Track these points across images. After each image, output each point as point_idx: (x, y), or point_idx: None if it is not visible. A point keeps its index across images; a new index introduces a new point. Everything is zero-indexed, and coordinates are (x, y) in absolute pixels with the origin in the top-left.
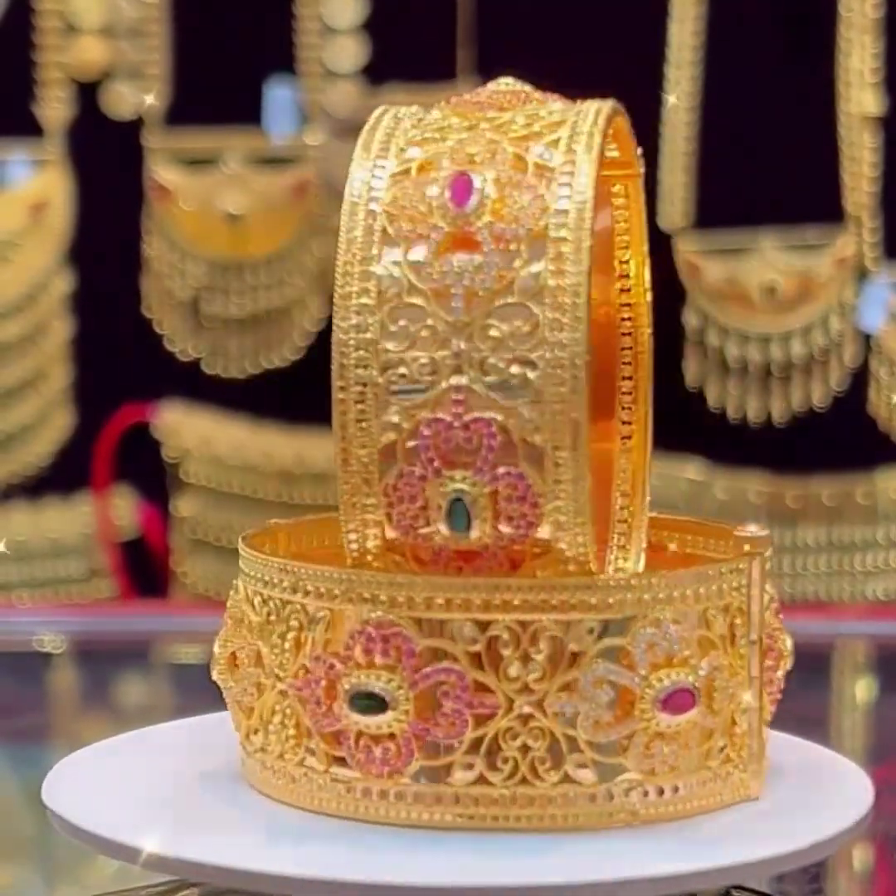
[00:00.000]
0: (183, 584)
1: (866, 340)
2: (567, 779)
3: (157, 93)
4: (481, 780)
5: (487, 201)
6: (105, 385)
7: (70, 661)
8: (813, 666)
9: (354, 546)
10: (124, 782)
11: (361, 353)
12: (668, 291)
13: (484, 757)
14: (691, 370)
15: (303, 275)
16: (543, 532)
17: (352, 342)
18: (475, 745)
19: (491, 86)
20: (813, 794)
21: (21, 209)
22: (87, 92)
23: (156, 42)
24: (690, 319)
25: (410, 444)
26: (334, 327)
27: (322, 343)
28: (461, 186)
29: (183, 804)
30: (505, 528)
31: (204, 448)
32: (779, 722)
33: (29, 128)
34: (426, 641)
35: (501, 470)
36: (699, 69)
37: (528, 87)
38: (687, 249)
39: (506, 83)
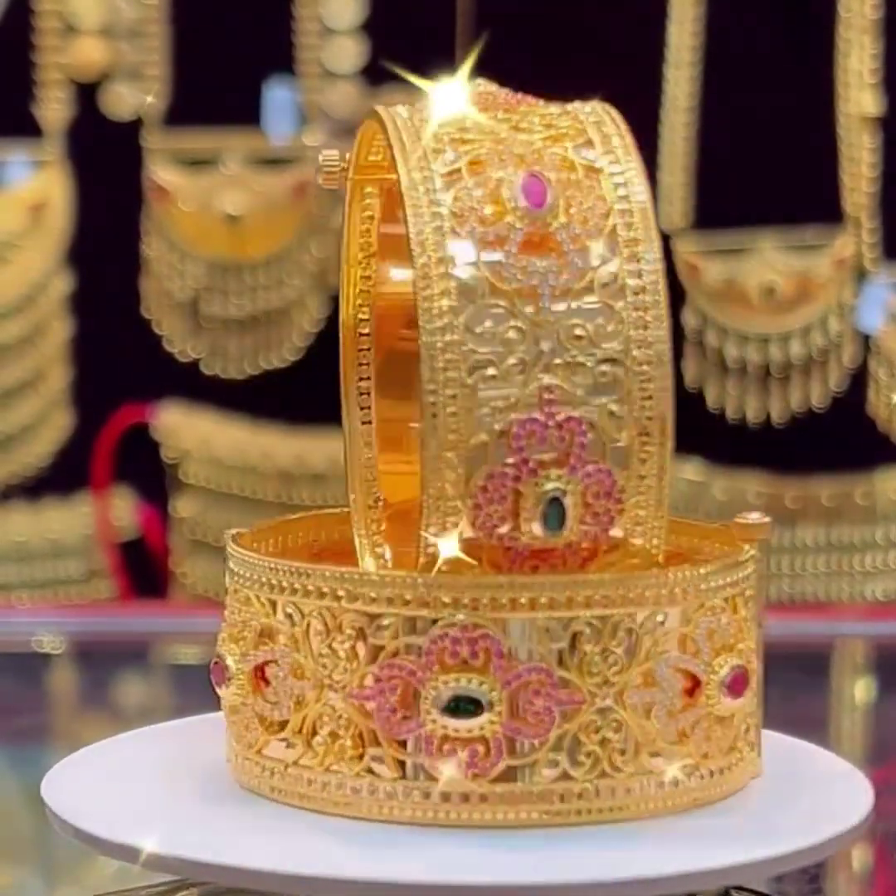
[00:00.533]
0: (182, 585)
1: (865, 341)
2: (642, 769)
3: (157, 93)
4: (564, 775)
5: (559, 202)
6: (104, 386)
7: (69, 661)
8: (812, 666)
9: (431, 548)
10: (123, 782)
11: (449, 355)
12: (668, 292)
13: (567, 753)
14: (690, 370)
15: (302, 275)
16: (617, 528)
17: (439, 344)
18: (558, 741)
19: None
20: (812, 796)
21: (20, 210)
22: (87, 92)
23: (155, 43)
24: (689, 320)
25: (503, 444)
26: (420, 330)
27: (321, 344)
28: (535, 188)
29: (182, 803)
30: (587, 526)
31: (203, 449)
32: (778, 723)
33: (28, 128)
34: (512, 642)
35: (590, 468)
36: (698, 70)
37: (498, 89)
38: (686, 250)
39: (478, 83)
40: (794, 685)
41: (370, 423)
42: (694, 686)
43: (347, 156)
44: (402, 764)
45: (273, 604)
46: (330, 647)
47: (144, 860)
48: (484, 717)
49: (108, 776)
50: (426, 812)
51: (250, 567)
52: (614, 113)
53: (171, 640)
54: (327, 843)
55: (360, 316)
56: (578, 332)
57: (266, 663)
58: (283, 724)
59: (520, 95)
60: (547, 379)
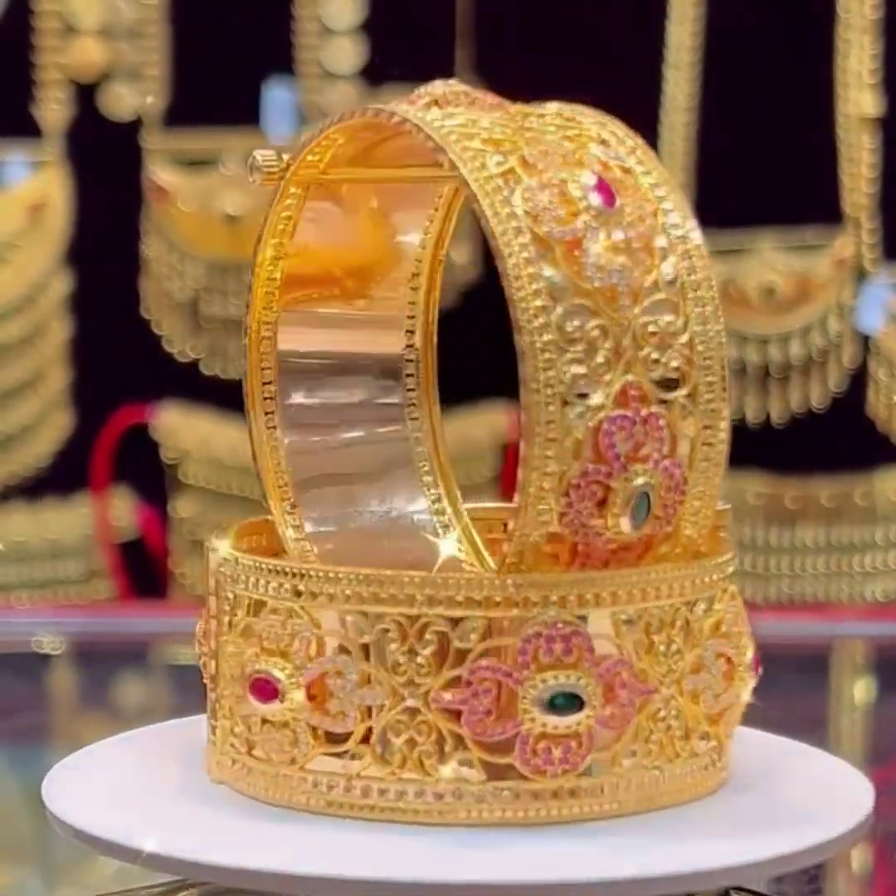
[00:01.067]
0: (182, 585)
1: (865, 341)
2: (693, 752)
3: (156, 94)
4: (639, 765)
5: (623, 201)
6: (104, 386)
7: (69, 661)
8: (812, 667)
9: (517, 546)
10: (123, 782)
11: (548, 355)
12: None
13: (641, 742)
14: None
15: None
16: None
17: (539, 344)
18: (634, 732)
19: (440, 86)
20: (813, 796)
21: (19, 210)
22: (86, 93)
23: (154, 43)
24: None
25: (594, 442)
26: (519, 329)
27: None
28: (605, 187)
29: (182, 804)
30: (658, 519)
31: (203, 449)
32: (778, 723)
33: (27, 129)
34: (596, 637)
35: (667, 462)
36: (698, 70)
37: (470, 89)
38: None
39: (452, 83)
40: (793, 685)
41: (275, 427)
42: (730, 669)
43: (284, 156)
44: (488, 765)
45: (333, 618)
46: (408, 654)
47: (144, 860)
48: (583, 713)
49: (107, 776)
50: (517, 812)
51: (317, 581)
52: (604, 114)
53: (171, 641)
54: (348, 844)
55: (264, 319)
56: (651, 328)
57: (324, 675)
58: (340, 738)
59: (492, 96)
60: (629, 376)
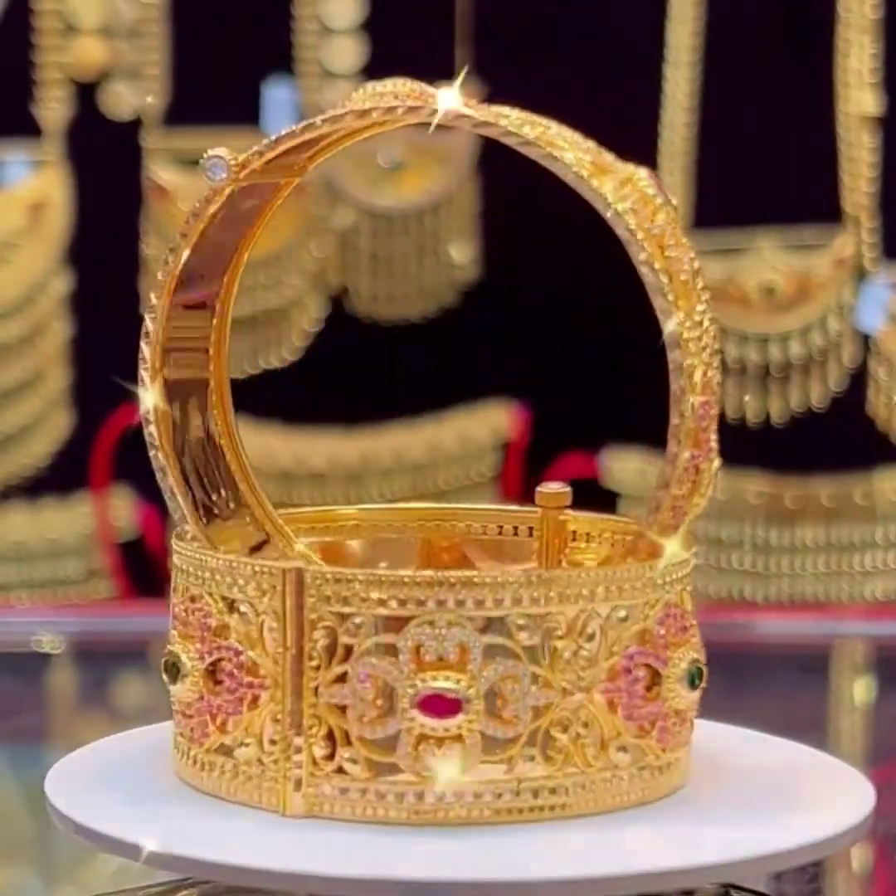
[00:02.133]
0: None
1: (865, 341)
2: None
3: (156, 93)
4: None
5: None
6: (103, 386)
7: (69, 661)
8: (812, 666)
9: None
10: (125, 781)
11: (693, 346)
12: None
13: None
14: None
15: (302, 275)
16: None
17: (691, 342)
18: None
19: (389, 84)
20: (812, 795)
21: (19, 210)
22: (86, 92)
23: (154, 42)
24: None
25: (698, 431)
26: (673, 329)
27: (320, 344)
28: (660, 184)
29: (183, 802)
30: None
31: None
32: (778, 723)
33: (27, 128)
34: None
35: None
36: (698, 70)
37: (420, 86)
38: None
39: (402, 82)
40: (793, 685)
41: None
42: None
43: (236, 156)
44: (637, 747)
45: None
46: (574, 649)
47: (146, 858)
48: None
49: (109, 774)
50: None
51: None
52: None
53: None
54: (324, 842)
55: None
56: (705, 322)
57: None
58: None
59: (431, 89)
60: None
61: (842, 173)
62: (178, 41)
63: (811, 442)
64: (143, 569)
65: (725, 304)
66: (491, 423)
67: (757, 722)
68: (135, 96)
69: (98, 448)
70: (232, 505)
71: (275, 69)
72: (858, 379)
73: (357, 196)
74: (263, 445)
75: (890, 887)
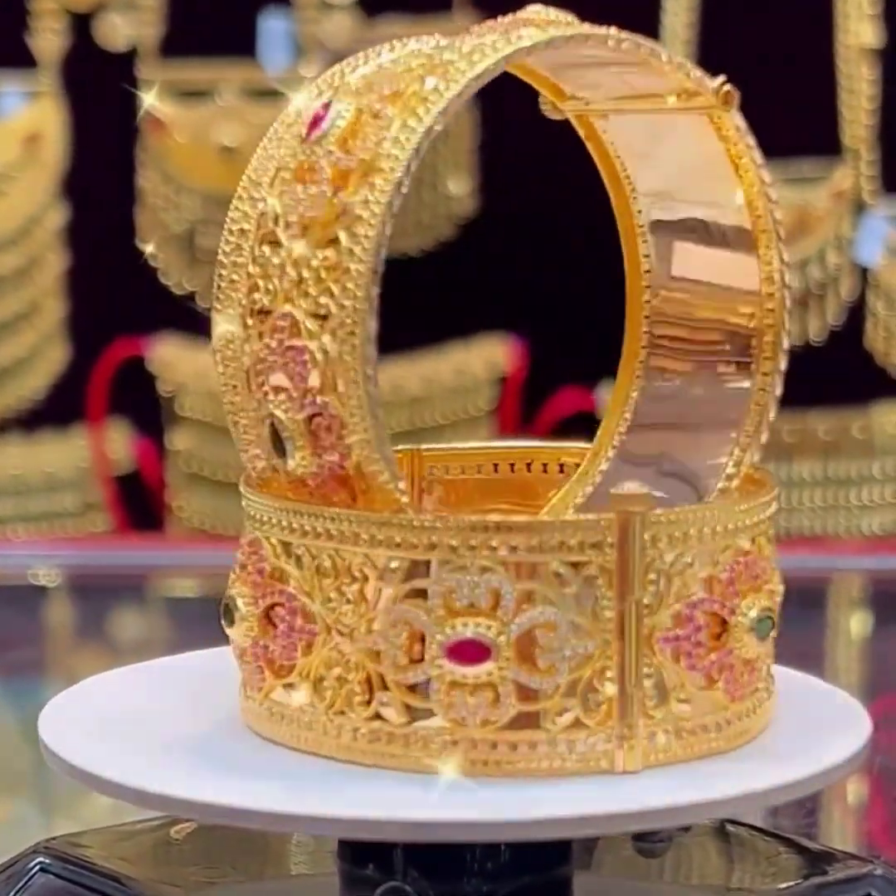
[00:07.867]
0: (178, 518)
1: (863, 274)
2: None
3: (152, 24)
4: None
5: None
6: (99, 319)
7: (65, 594)
8: (809, 601)
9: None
10: (118, 718)
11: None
12: None
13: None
14: None
15: None
16: None
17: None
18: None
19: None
20: (810, 727)
21: (14, 141)
22: (81, 23)
23: None
24: None
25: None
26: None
27: None
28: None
29: (177, 741)
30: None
31: (199, 382)
32: (775, 656)
33: (22, 59)
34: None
35: (319, 399)
36: (696, 1)
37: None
38: None
39: (535, 10)
40: (790, 619)
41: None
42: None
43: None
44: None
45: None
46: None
47: (138, 799)
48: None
49: (102, 712)
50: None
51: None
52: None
53: (168, 574)
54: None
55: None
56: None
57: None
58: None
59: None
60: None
61: (841, 106)
62: None
63: (809, 376)
64: (139, 502)
65: None
66: (488, 356)
67: None
68: (130, 27)
69: (94, 381)
70: None
71: (271, 0)
72: (856, 312)
73: None
74: None
75: (886, 818)
